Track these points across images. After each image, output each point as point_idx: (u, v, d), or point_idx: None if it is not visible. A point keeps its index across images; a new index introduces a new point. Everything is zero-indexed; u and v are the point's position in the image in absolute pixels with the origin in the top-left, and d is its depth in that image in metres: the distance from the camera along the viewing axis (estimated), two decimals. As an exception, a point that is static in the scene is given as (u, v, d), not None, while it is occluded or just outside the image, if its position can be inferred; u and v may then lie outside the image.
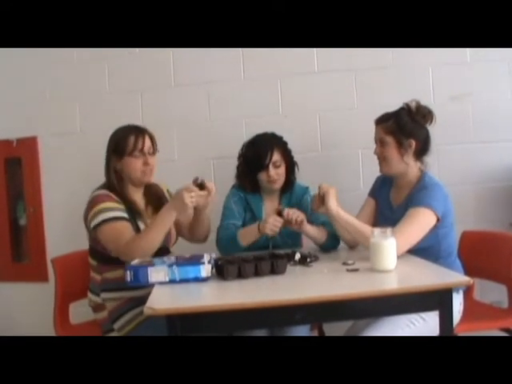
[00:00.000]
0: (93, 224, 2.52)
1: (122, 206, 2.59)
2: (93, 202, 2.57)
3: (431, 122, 2.64)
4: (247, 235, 2.77)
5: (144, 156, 2.65)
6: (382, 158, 2.66)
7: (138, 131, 2.68)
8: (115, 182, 2.66)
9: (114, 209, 2.55)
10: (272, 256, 2.33)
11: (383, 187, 2.81)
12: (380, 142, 2.66)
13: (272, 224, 2.64)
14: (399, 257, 2.20)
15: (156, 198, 2.82)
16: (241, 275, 2.16)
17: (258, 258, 2.28)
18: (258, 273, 2.18)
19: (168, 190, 2.92)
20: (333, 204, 2.53)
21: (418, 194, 2.53)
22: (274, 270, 2.20)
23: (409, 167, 2.63)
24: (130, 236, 2.49)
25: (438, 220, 2.46)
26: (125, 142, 2.64)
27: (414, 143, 2.59)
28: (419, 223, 2.43)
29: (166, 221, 2.47)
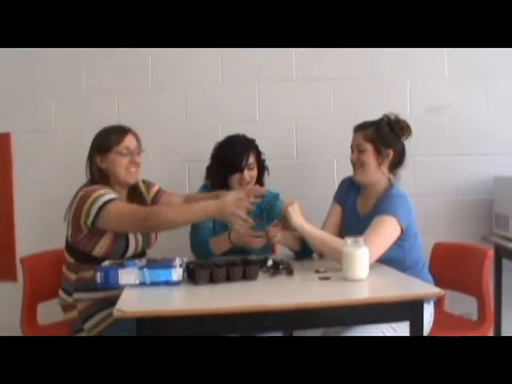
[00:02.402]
0: (95, 209, 2.44)
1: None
2: (86, 194, 2.50)
3: (408, 135, 2.66)
4: (219, 244, 2.76)
5: (130, 154, 2.63)
6: (360, 165, 2.65)
7: (122, 129, 2.68)
8: (100, 180, 2.61)
9: (112, 192, 2.52)
10: (244, 262, 2.32)
11: (350, 194, 2.81)
12: (358, 149, 2.65)
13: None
14: (371, 266, 2.20)
15: (138, 198, 2.78)
16: (212, 280, 2.15)
17: (230, 264, 2.27)
18: (229, 278, 2.17)
19: (143, 181, 2.89)
20: (297, 220, 2.50)
21: (384, 201, 2.54)
22: (246, 276, 2.19)
23: (382, 177, 2.64)
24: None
25: (401, 231, 2.47)
26: (108, 139, 2.63)
27: (391, 153, 2.61)
28: (385, 233, 2.43)
29: (200, 216, 2.47)
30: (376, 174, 2.63)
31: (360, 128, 2.68)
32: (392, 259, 2.45)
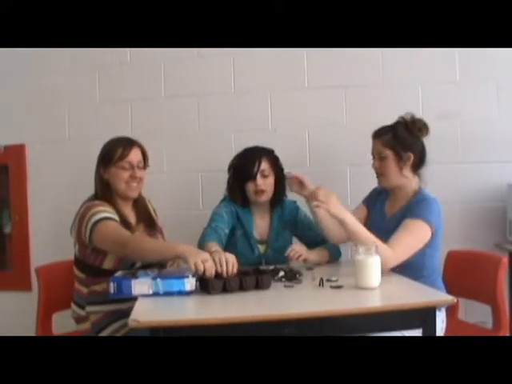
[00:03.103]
0: (90, 224, 2.47)
1: (116, 216, 2.58)
2: (86, 210, 2.54)
3: (426, 133, 2.66)
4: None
5: (132, 169, 2.64)
6: (381, 172, 2.67)
7: (128, 142, 2.68)
8: (103, 192, 2.64)
9: (109, 211, 2.54)
10: (256, 271, 2.33)
11: (378, 199, 2.82)
12: (378, 156, 2.66)
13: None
14: (383, 275, 2.20)
15: (147, 214, 2.81)
16: (225, 289, 2.15)
17: (243, 273, 2.27)
18: (242, 287, 2.17)
19: (150, 201, 2.91)
20: (338, 209, 2.48)
21: (417, 205, 2.54)
22: (259, 285, 2.19)
23: (407, 180, 2.64)
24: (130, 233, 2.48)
25: (431, 235, 2.47)
26: (112, 152, 2.64)
27: (412, 156, 2.61)
28: (416, 236, 2.45)
29: (170, 252, 2.33)
30: (399, 178, 2.64)
31: (378, 134, 2.69)
32: (411, 264, 2.45)
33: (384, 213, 2.74)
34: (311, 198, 2.60)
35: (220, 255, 2.24)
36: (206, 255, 2.19)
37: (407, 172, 2.64)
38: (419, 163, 2.66)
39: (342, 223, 2.49)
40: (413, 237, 2.44)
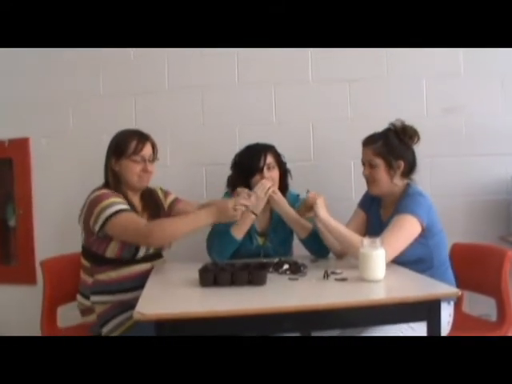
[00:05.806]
0: (102, 218, 2.50)
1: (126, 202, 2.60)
2: (96, 201, 2.55)
3: (417, 141, 2.66)
4: (241, 225, 2.78)
5: (143, 162, 2.68)
6: (372, 180, 2.68)
7: (141, 136, 2.71)
8: (113, 183, 2.67)
9: (121, 203, 2.56)
10: (255, 266, 2.31)
11: (373, 202, 2.83)
12: (369, 164, 2.67)
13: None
14: (388, 267, 2.20)
15: (153, 204, 2.83)
16: (216, 283, 2.14)
17: (241, 267, 2.28)
18: (234, 282, 2.16)
19: (161, 189, 2.94)
20: (323, 212, 2.55)
21: (402, 202, 2.55)
22: (251, 281, 2.16)
23: (396, 187, 2.66)
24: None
25: (422, 229, 2.47)
26: (125, 145, 2.66)
27: (402, 164, 2.62)
28: (404, 230, 2.45)
29: (200, 222, 2.55)
30: (389, 186, 2.65)
31: (369, 142, 2.69)
32: (418, 258, 2.47)
33: (380, 218, 2.76)
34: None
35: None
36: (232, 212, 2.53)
37: (397, 179, 2.64)
38: (409, 171, 2.67)
39: (327, 228, 2.57)
40: (400, 232, 2.44)
